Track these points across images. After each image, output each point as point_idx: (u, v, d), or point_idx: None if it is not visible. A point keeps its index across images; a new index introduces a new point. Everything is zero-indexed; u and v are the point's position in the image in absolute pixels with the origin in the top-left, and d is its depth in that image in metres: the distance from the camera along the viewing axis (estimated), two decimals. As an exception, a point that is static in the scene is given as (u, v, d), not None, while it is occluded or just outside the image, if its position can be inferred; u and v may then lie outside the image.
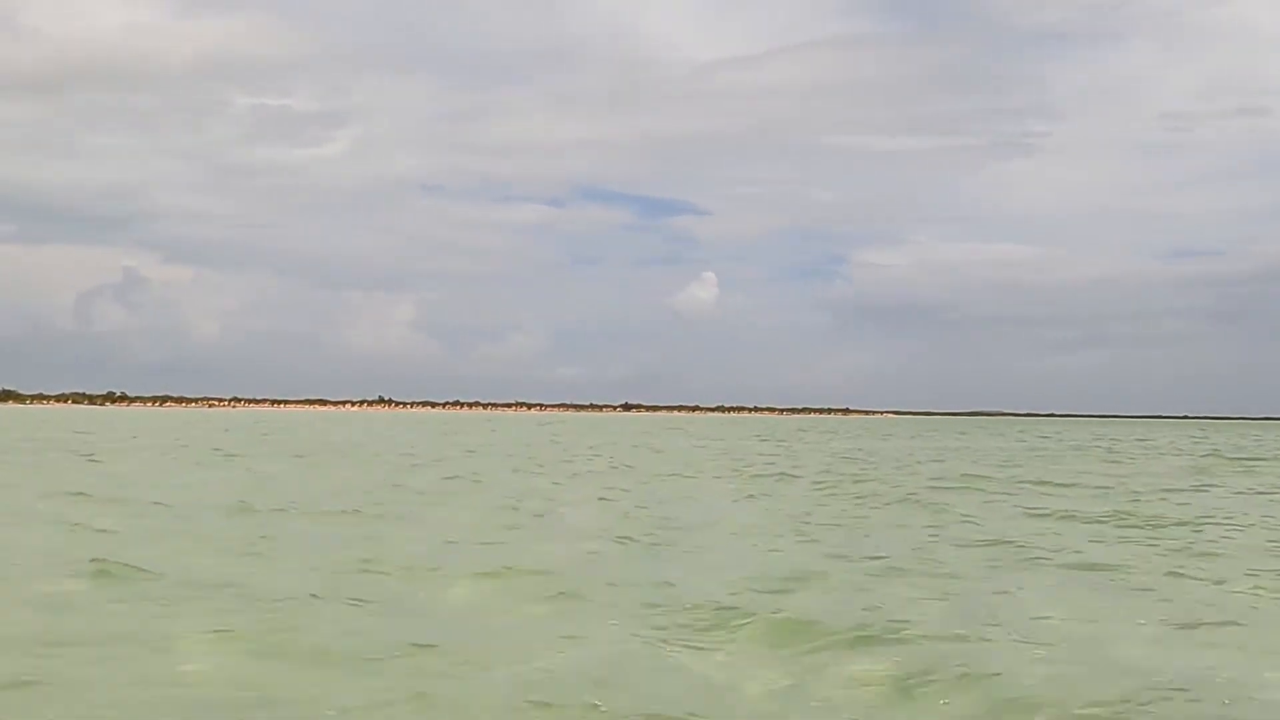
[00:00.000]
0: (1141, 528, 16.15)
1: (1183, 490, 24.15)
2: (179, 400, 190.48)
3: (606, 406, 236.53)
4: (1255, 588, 10.74)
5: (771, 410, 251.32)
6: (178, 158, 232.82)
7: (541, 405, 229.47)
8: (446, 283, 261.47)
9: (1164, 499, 21.45)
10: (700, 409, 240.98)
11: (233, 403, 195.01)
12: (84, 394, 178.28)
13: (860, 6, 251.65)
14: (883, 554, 12.76)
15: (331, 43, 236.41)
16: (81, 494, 18.38)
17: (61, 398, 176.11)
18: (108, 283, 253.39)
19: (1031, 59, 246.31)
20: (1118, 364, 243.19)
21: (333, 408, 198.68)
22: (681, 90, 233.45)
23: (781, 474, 28.38)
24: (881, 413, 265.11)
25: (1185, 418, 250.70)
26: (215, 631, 8.03)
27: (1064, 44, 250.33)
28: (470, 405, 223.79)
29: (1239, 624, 9.02)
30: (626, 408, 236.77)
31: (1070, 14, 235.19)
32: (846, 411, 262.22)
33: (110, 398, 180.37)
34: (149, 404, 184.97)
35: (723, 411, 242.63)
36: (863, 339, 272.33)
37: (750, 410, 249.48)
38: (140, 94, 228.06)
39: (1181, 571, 11.81)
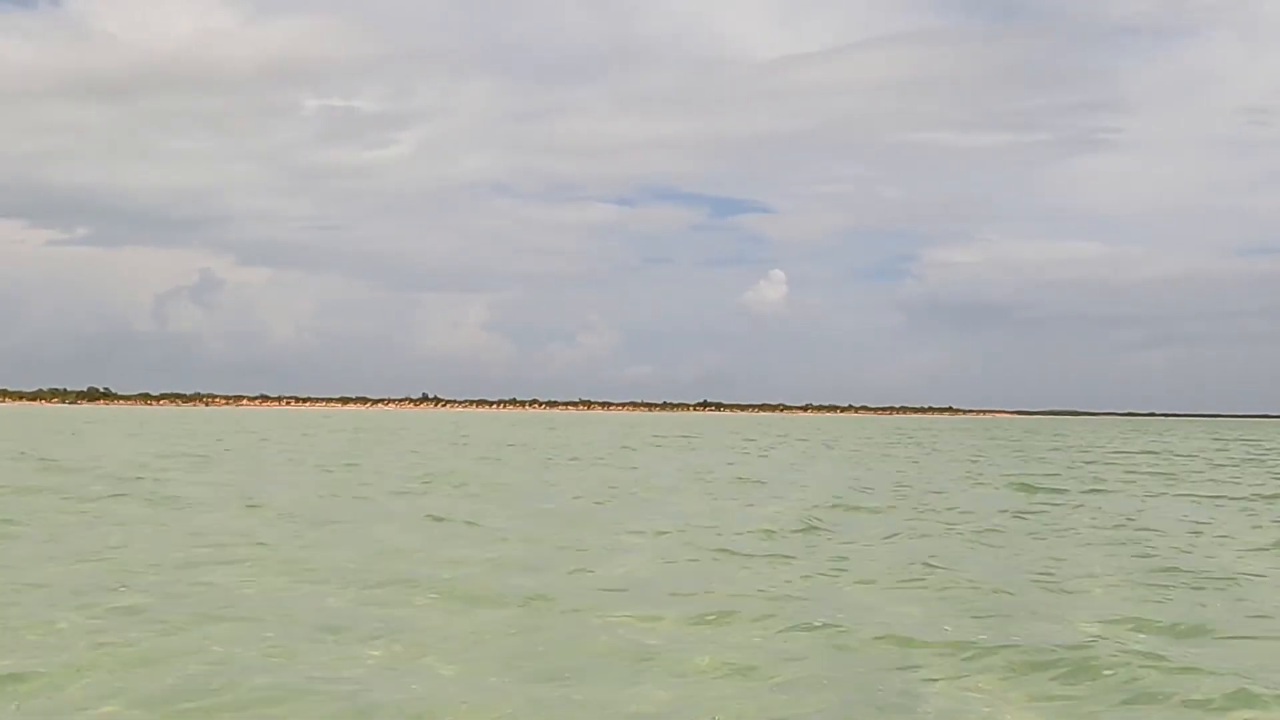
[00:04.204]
0: None
1: None
2: (172, 398, 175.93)
3: (680, 406, 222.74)
4: None
5: (865, 409, 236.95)
6: (250, 160, 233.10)
7: (609, 404, 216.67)
8: (516, 283, 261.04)
9: None
10: (786, 408, 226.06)
11: (259, 401, 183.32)
12: (64, 389, 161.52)
13: (928, 2, 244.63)
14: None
15: (398, 44, 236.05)
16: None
17: (37, 395, 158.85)
18: (184, 284, 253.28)
19: (1104, 53, 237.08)
20: (1193, 363, 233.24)
21: (372, 406, 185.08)
22: (750, 89, 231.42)
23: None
24: (993, 412, 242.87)
25: (1267, 417, 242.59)
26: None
27: (1138, 38, 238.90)
28: (528, 404, 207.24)
29: None
30: (704, 406, 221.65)
31: (1144, 7, 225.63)
32: (951, 410, 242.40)
33: (93, 395, 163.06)
34: (146, 403, 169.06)
35: (810, 411, 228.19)
36: (935, 338, 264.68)
37: (842, 410, 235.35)
38: (212, 98, 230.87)
39: None
